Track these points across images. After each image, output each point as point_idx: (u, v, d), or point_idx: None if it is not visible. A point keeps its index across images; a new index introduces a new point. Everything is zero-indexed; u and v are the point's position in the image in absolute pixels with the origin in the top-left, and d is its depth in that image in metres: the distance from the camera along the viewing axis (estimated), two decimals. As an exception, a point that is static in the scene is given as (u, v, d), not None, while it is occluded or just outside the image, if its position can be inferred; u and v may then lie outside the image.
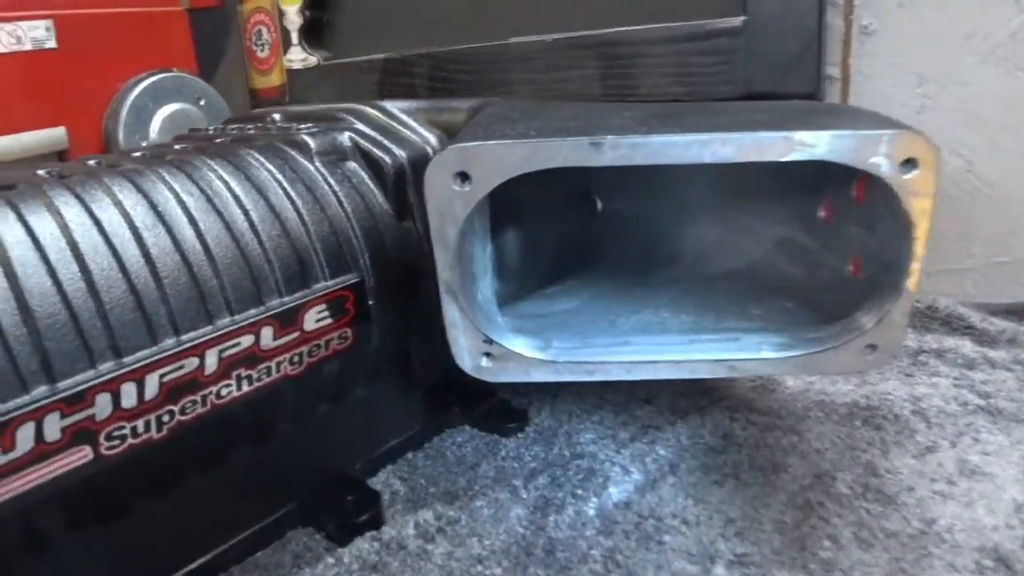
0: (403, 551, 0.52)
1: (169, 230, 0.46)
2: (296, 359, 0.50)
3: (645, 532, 0.52)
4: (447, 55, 1.13)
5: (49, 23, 1.11)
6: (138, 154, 0.56)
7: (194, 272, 0.46)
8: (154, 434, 0.43)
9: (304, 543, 0.54)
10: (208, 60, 1.37)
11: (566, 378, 0.51)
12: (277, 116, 0.67)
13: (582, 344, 0.52)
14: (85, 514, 0.44)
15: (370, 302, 0.54)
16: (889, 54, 0.85)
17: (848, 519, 0.52)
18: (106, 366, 0.41)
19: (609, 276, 0.68)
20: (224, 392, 0.46)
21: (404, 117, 0.63)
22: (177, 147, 0.59)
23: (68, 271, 0.41)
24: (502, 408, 0.68)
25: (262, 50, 1.34)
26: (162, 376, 0.43)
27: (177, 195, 0.48)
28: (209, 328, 0.45)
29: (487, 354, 0.50)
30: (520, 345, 0.50)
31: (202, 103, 1.27)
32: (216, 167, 0.52)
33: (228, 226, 0.48)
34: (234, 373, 0.46)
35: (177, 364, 0.43)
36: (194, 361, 0.44)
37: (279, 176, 0.53)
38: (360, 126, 0.61)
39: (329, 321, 0.51)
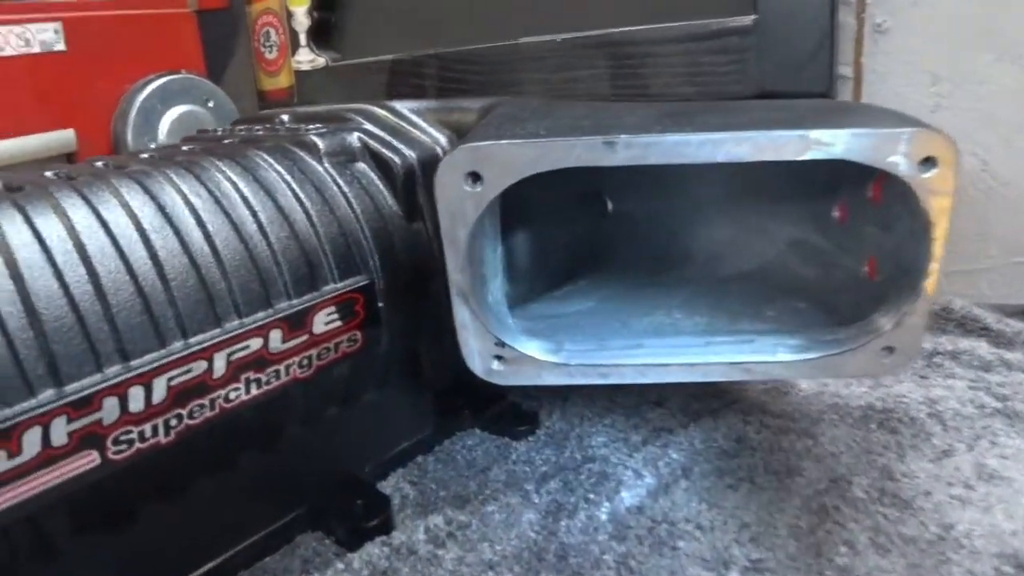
0: (413, 556, 0.52)
1: (177, 232, 0.46)
2: (305, 362, 0.49)
3: (658, 537, 0.51)
4: (456, 55, 1.12)
5: (58, 25, 1.11)
6: (146, 155, 0.56)
7: (202, 274, 0.45)
8: (162, 438, 0.42)
9: (313, 548, 0.54)
10: (216, 62, 1.37)
11: (579, 381, 0.50)
12: (285, 117, 0.67)
13: (595, 346, 0.51)
14: (92, 519, 0.43)
15: (380, 304, 0.54)
16: (902, 52, 0.84)
17: (864, 524, 0.51)
18: (113, 369, 0.40)
19: (620, 277, 0.67)
20: (232, 395, 0.45)
21: (413, 117, 0.62)
22: (185, 148, 0.58)
23: (75, 273, 0.41)
24: (512, 411, 0.68)
25: (270, 51, 1.34)
26: (170, 379, 0.42)
27: (185, 196, 0.48)
28: (217, 331, 0.45)
29: (498, 357, 0.50)
30: (532, 348, 0.50)
31: (210, 105, 1.27)
32: (224, 168, 0.51)
33: (236, 228, 0.48)
34: (243, 376, 0.46)
35: (185, 367, 0.43)
36: (202, 364, 0.44)
37: (288, 177, 0.53)
38: (369, 126, 0.60)
39: (338, 323, 0.51)
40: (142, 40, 1.22)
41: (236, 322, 0.46)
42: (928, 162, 0.41)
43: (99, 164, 0.52)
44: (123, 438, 0.41)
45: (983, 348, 0.74)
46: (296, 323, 0.48)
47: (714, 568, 0.48)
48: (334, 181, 0.55)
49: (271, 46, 1.33)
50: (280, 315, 0.47)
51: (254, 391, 0.47)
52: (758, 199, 0.66)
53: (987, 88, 0.81)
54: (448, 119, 0.64)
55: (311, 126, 0.61)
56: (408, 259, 0.56)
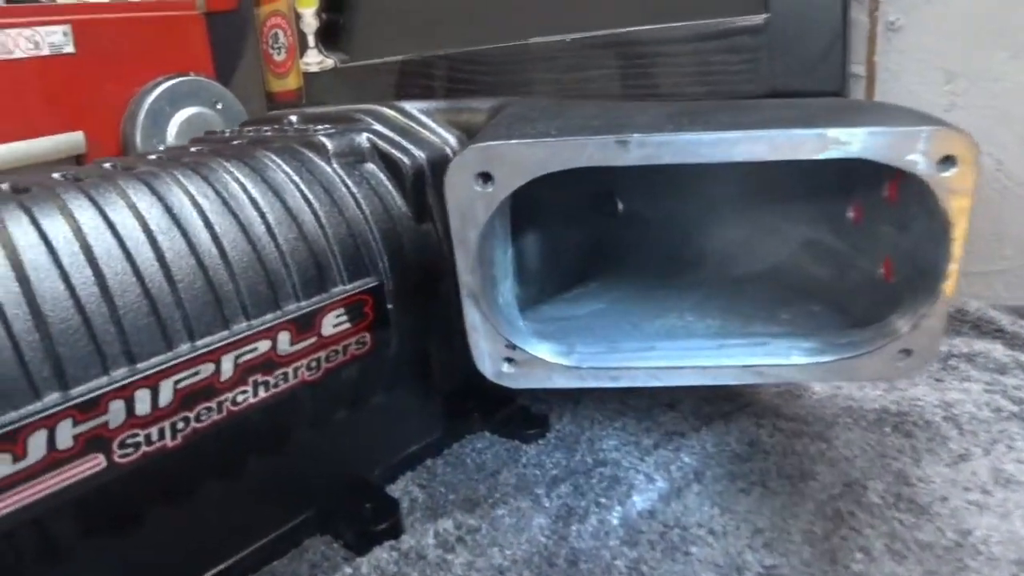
0: (422, 561, 0.51)
1: (184, 233, 0.45)
2: (314, 364, 0.49)
3: (671, 542, 0.51)
4: (466, 56, 1.12)
5: (67, 28, 1.11)
6: (154, 157, 0.55)
7: (210, 276, 0.45)
8: (169, 441, 0.42)
9: (322, 552, 0.53)
10: (225, 64, 1.37)
11: (590, 384, 0.49)
12: (294, 118, 0.67)
13: (607, 349, 0.51)
14: (98, 523, 0.43)
15: (389, 306, 0.53)
16: (916, 50, 0.83)
17: (880, 530, 0.50)
18: (120, 372, 0.40)
19: (632, 279, 0.66)
20: (240, 398, 0.45)
21: (423, 117, 0.62)
22: (193, 150, 0.58)
23: (81, 275, 0.40)
24: (522, 414, 0.67)
25: (279, 53, 1.34)
26: (177, 382, 0.42)
27: (192, 198, 0.47)
28: (225, 333, 0.44)
29: (509, 359, 0.49)
30: (543, 350, 0.49)
31: (219, 107, 1.27)
32: (232, 169, 0.51)
33: (244, 229, 0.48)
34: (250, 379, 0.45)
35: (192, 370, 0.42)
36: (210, 367, 0.43)
37: (296, 178, 0.53)
38: (378, 127, 0.60)
39: (347, 325, 0.50)
40: (151, 42, 1.21)
41: (244, 324, 0.45)
42: (947, 161, 0.40)
43: (107, 166, 0.52)
44: (129, 441, 0.40)
45: (999, 350, 0.73)
46: (305, 325, 0.48)
47: (727, 574, 0.48)
48: (343, 182, 0.55)
49: (279, 48, 1.33)
50: (288, 317, 0.47)
51: (262, 394, 0.46)
52: (771, 199, 0.65)
53: (1002, 86, 0.80)
54: (457, 119, 0.63)
55: (320, 127, 0.61)
56: (417, 260, 0.56)
